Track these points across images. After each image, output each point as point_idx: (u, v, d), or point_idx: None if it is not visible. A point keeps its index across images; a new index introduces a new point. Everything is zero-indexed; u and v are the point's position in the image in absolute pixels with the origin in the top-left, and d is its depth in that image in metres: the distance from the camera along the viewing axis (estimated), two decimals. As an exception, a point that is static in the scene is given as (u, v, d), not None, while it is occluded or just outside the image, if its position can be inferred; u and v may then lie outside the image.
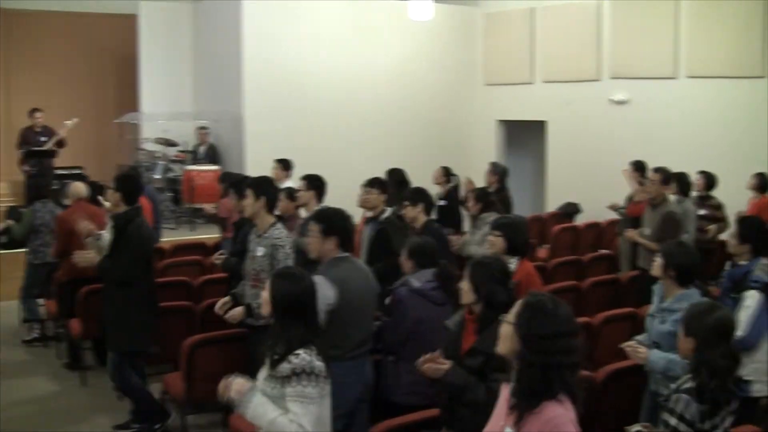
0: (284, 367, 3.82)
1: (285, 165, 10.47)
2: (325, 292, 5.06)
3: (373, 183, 8.09)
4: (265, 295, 4.09)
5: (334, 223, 5.40)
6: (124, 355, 6.90)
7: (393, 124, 15.82)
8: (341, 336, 5.21)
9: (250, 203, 6.30)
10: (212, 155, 15.12)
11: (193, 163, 14.83)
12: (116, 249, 6.71)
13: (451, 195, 10.64)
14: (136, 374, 7.04)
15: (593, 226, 12.40)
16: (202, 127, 15.44)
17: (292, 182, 9.74)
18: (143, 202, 7.65)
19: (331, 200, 7.79)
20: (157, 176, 14.29)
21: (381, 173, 9.50)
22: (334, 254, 5.36)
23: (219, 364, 5.97)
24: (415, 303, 5.62)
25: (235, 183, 7.52)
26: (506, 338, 3.36)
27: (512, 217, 7.04)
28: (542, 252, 11.34)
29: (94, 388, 8.24)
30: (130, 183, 6.97)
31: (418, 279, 5.76)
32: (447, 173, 10.85)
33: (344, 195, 8.53)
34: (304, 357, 3.83)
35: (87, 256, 7.01)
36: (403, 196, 7.80)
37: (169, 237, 12.50)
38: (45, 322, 9.89)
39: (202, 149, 15.30)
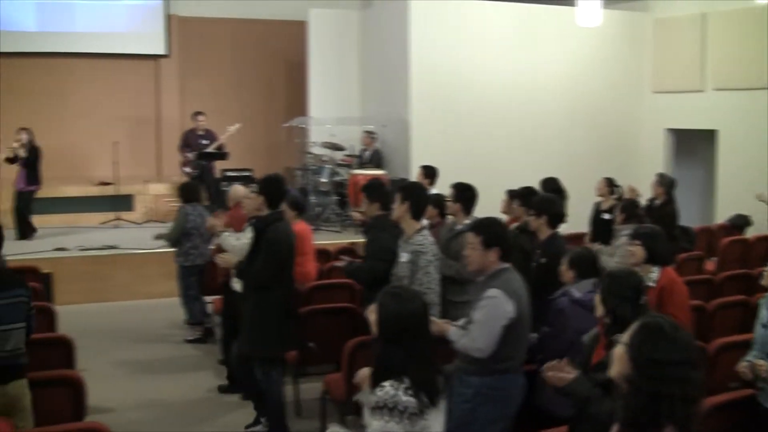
0: (370, 398, 3.68)
1: (427, 172, 10.35)
2: (505, 306, 5.07)
3: (510, 193, 8.10)
4: (372, 315, 3.90)
5: (495, 233, 5.26)
6: (261, 360, 6.85)
7: (557, 131, 15.67)
8: (514, 348, 5.21)
9: (397, 207, 6.41)
10: (377, 159, 15.32)
11: (359, 167, 15.04)
12: (254, 252, 6.65)
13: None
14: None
15: (765, 239, 11.96)
16: (369, 132, 15.69)
17: (436, 189, 9.70)
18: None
19: (492, 207, 7.80)
20: (324, 179, 14.61)
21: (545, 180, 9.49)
22: (497, 266, 5.23)
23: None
24: (576, 313, 5.58)
25: (365, 187, 7.33)
26: (618, 360, 3.07)
27: (652, 226, 6.88)
28: (710, 264, 11.02)
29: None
30: (273, 186, 6.87)
31: (579, 289, 5.74)
32: (611, 184, 10.41)
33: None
34: (388, 391, 3.63)
35: (226, 257, 7.13)
36: (529, 205, 7.58)
37: (334, 240, 12.75)
38: (204, 324, 10.29)
39: (367, 153, 15.53)
